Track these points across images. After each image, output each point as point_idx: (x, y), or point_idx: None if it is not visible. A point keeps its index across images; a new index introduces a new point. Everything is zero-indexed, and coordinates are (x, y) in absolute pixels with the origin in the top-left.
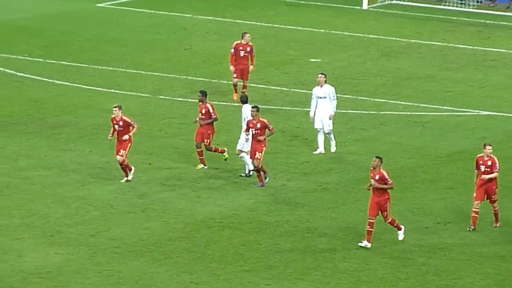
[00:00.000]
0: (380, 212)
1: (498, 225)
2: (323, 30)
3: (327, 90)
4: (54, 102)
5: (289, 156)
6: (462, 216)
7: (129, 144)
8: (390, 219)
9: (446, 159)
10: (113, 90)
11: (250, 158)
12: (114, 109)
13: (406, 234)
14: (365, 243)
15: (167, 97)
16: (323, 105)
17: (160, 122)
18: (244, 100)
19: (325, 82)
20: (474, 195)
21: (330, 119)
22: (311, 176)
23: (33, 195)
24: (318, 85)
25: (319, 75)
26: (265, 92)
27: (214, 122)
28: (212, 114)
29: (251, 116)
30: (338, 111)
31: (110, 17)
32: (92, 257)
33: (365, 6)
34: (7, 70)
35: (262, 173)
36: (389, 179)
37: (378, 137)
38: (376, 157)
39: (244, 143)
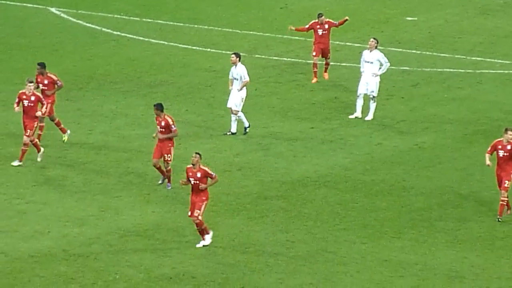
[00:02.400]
0: (193, 209)
1: (509, 212)
2: None
3: (376, 55)
4: (151, 61)
5: (385, 115)
6: None
7: (36, 123)
8: (199, 220)
9: None
10: (209, 49)
11: (190, 215)
12: (29, 84)
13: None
14: (202, 242)
15: (263, 56)
16: (370, 70)
17: (255, 81)
18: (239, 55)
19: (376, 47)
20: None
21: (374, 77)
22: (407, 135)
23: (130, 153)
24: (368, 49)
25: (371, 39)
26: (360, 51)
27: None
28: (58, 82)
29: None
30: (435, 69)
31: None
32: (188, 215)
33: None
34: (104, 29)
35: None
36: (212, 173)
37: (475, 96)
38: (196, 153)
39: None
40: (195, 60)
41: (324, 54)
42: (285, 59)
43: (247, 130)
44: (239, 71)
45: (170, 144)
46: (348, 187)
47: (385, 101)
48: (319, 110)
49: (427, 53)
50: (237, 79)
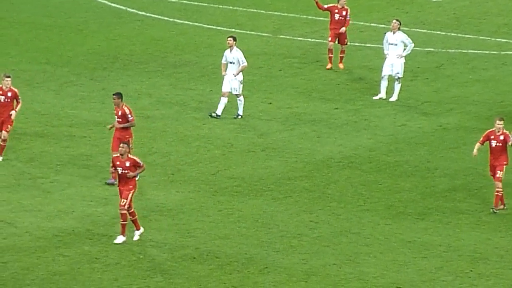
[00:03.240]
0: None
1: (502, 207)
2: None
3: (399, 37)
4: (175, 41)
5: (409, 96)
6: None
7: (12, 122)
8: (125, 211)
9: None
10: (233, 30)
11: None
12: (6, 79)
13: None
14: (120, 238)
15: (288, 37)
16: (394, 52)
17: (280, 62)
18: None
19: (399, 28)
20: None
21: (399, 58)
22: (432, 116)
23: (154, 133)
24: (391, 31)
25: (394, 21)
26: (385, 32)
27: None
28: None
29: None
30: (460, 50)
31: None
32: (212, 195)
33: None
34: (128, 9)
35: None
36: (141, 162)
37: (499, 77)
38: (123, 143)
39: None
40: (219, 40)
41: (341, 40)
42: (310, 39)
43: (238, 117)
44: (235, 55)
45: (128, 135)
46: (372, 168)
47: (409, 82)
48: (343, 91)
49: (452, 34)
50: (233, 63)
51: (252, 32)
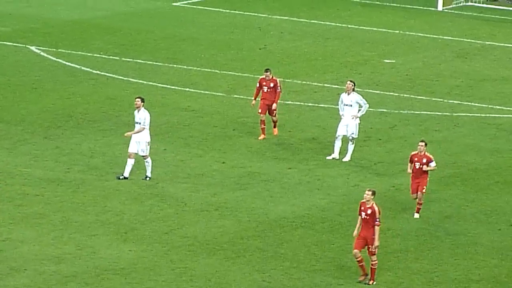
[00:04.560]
0: None
1: (371, 282)
2: (397, 31)
3: (354, 97)
4: (129, 100)
5: (362, 157)
6: None
7: None
8: None
9: None
10: (187, 89)
11: None
12: None
13: (480, 236)
14: None
15: (242, 96)
16: (349, 113)
17: (234, 121)
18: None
19: (353, 90)
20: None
21: (354, 119)
22: (384, 177)
23: (108, 192)
24: (345, 92)
25: (348, 82)
26: (339, 93)
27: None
28: None
29: None
30: (412, 112)
31: (185, 16)
32: (165, 254)
33: (440, 7)
34: (83, 68)
35: None
36: None
37: (452, 138)
38: None
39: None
40: (173, 99)
41: (270, 112)
42: None
43: (147, 179)
44: (141, 116)
45: None
46: (325, 228)
47: (362, 143)
48: (296, 150)
49: (405, 95)
50: (139, 123)
51: (207, 92)
